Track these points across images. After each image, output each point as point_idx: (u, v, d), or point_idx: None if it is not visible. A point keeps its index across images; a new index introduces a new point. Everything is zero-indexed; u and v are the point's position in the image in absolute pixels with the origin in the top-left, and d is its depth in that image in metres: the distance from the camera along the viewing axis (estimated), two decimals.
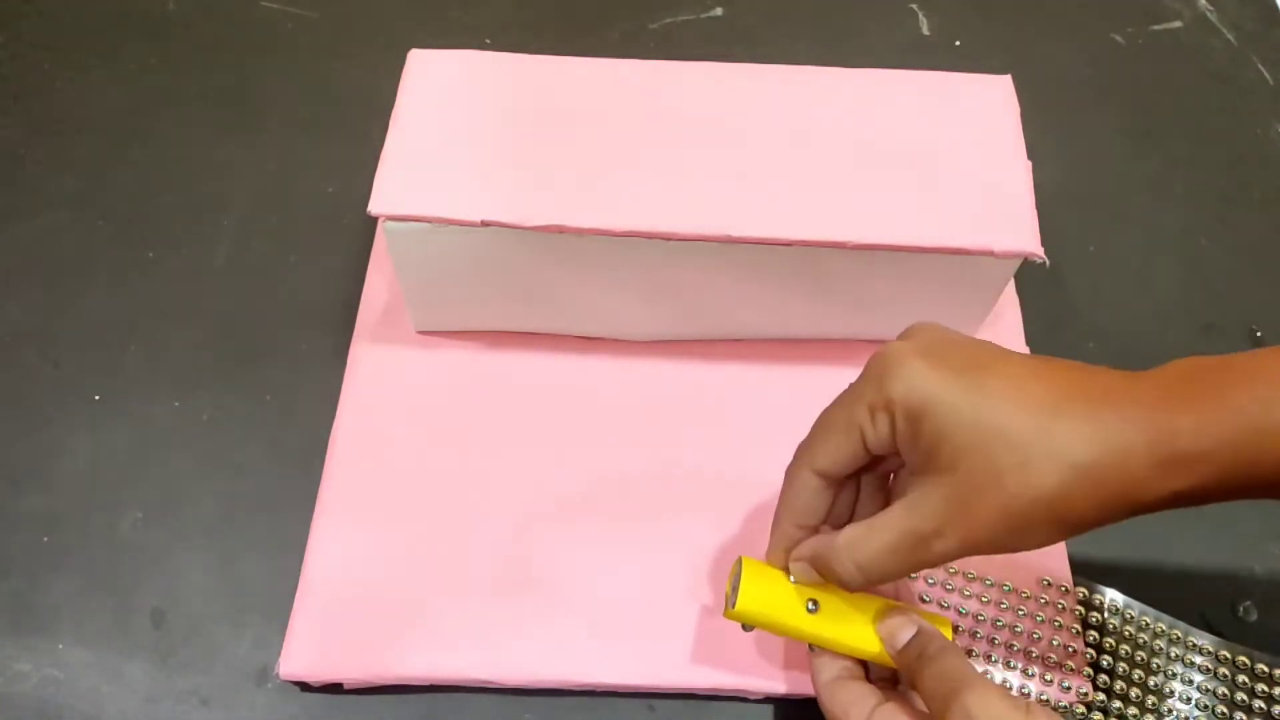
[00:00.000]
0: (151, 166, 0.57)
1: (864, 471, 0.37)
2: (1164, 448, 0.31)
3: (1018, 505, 0.31)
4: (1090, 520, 0.32)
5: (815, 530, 0.37)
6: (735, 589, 0.37)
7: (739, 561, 0.37)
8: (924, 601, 0.42)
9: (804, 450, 0.37)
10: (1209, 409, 0.31)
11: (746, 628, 0.38)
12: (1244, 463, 0.31)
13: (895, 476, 0.38)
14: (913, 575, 0.42)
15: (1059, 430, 0.31)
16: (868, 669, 0.38)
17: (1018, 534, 0.32)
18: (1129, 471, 0.31)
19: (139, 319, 0.51)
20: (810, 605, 0.37)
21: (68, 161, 0.57)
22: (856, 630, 0.37)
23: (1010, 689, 0.40)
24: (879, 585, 0.36)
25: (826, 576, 0.36)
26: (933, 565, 0.34)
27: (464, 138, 0.44)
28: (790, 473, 0.37)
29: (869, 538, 0.34)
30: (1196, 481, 0.32)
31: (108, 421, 0.48)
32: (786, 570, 0.38)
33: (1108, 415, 0.31)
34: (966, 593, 0.43)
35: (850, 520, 0.38)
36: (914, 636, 0.35)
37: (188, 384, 0.49)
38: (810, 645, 0.38)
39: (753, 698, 0.42)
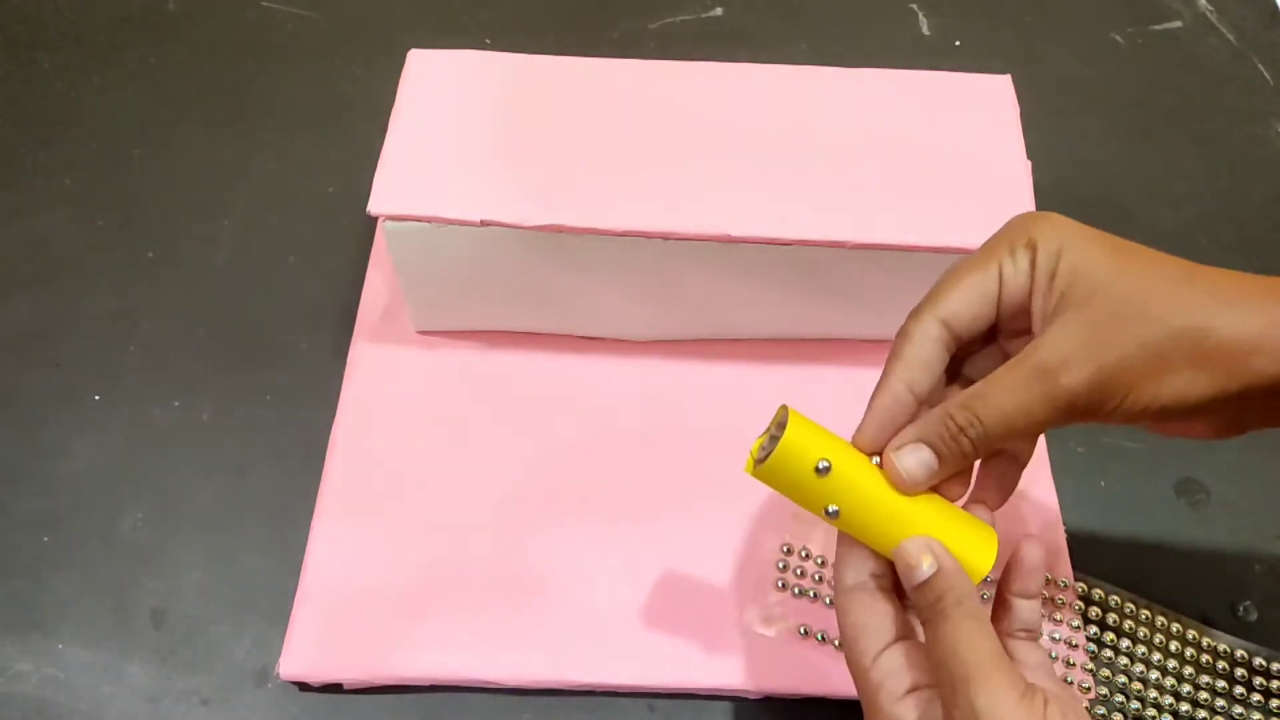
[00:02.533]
0: (151, 166, 0.57)
1: (985, 345, 0.34)
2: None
3: (1161, 334, 0.29)
4: (1235, 368, 0.30)
5: (923, 402, 0.33)
6: (771, 441, 0.32)
7: (784, 413, 0.32)
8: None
9: (929, 298, 0.33)
10: None
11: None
12: None
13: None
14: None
15: (1202, 281, 0.30)
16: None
17: (1156, 371, 0.30)
18: (1229, 332, 0.29)
19: (139, 319, 0.51)
20: (830, 510, 0.32)
21: (68, 161, 0.57)
22: (879, 541, 0.32)
23: None
24: (1003, 441, 0.32)
25: (946, 448, 0.32)
26: (1060, 414, 0.30)
27: (464, 138, 0.44)
28: (908, 325, 0.33)
29: (992, 380, 0.31)
30: None
31: (108, 421, 0.48)
32: (877, 453, 0.33)
33: (1251, 287, 0.31)
34: None
35: None
36: (931, 579, 0.31)
37: (188, 384, 0.49)
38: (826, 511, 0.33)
39: (753, 698, 0.42)
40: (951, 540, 0.32)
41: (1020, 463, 0.35)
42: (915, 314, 0.33)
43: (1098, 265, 0.30)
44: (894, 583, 0.33)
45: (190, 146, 0.58)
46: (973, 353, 0.34)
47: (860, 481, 0.32)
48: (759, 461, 0.33)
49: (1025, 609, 0.33)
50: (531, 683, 0.41)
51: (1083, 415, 0.31)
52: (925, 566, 0.31)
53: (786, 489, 0.33)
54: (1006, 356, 0.32)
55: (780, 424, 0.32)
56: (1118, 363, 0.30)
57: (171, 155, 0.58)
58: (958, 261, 0.33)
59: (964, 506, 0.34)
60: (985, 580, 0.35)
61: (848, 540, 0.33)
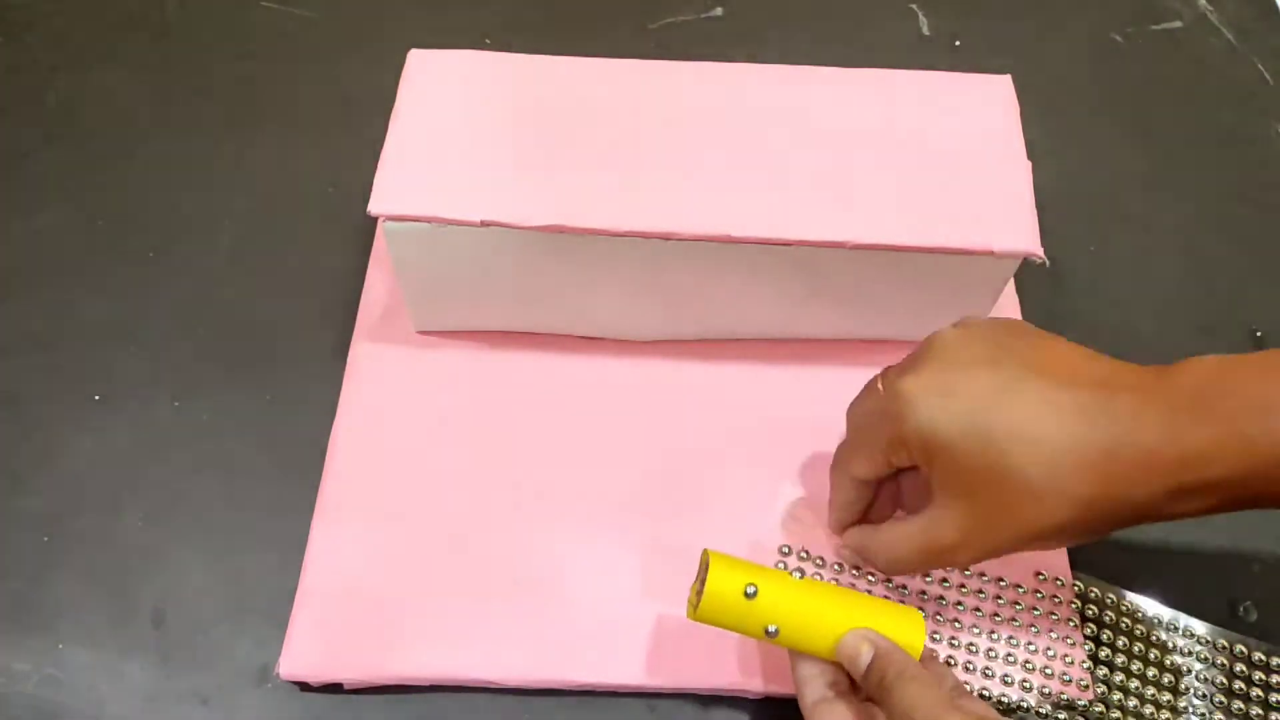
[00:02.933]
0: (151, 166, 0.57)
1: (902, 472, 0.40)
2: (1172, 480, 0.32)
3: (1032, 530, 0.34)
4: (1102, 533, 0.35)
5: (862, 517, 0.42)
6: (701, 587, 0.37)
7: (705, 558, 0.38)
8: (903, 591, 0.42)
9: (841, 458, 0.41)
10: (1215, 439, 0.32)
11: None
12: (1250, 490, 0.32)
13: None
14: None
15: (1068, 469, 0.33)
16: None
17: (1031, 547, 0.35)
18: (1137, 498, 0.33)
19: (139, 319, 0.51)
20: (770, 630, 0.37)
21: (68, 161, 0.57)
22: (821, 649, 0.37)
23: (1011, 683, 0.40)
24: (906, 574, 0.41)
25: (865, 560, 0.41)
26: (956, 566, 0.39)
27: (464, 138, 0.44)
28: (833, 475, 0.42)
29: (899, 544, 0.38)
30: (1204, 505, 0.33)
31: (108, 421, 0.48)
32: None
33: (1117, 448, 0.33)
34: (965, 589, 0.43)
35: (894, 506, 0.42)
36: (872, 661, 0.35)
37: (188, 384, 0.49)
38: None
39: (753, 697, 0.42)
40: (883, 628, 0.37)
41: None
42: (835, 465, 0.41)
43: (969, 464, 0.35)
44: (850, 684, 0.37)
45: (190, 146, 0.58)
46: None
47: (789, 596, 0.37)
48: (695, 607, 0.37)
49: (936, 669, 0.38)
50: (531, 683, 0.41)
51: None
52: (864, 654, 0.36)
53: (727, 620, 0.37)
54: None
55: (705, 566, 0.37)
56: (1001, 546, 0.36)
57: (172, 155, 0.58)
58: (855, 425, 0.40)
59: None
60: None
61: (799, 662, 0.38)
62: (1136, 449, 0.33)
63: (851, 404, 0.40)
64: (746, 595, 0.36)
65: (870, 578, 0.43)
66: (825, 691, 0.37)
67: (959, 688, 0.37)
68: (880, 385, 0.38)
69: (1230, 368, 0.33)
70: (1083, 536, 0.35)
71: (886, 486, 0.41)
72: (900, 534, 0.38)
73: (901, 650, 0.36)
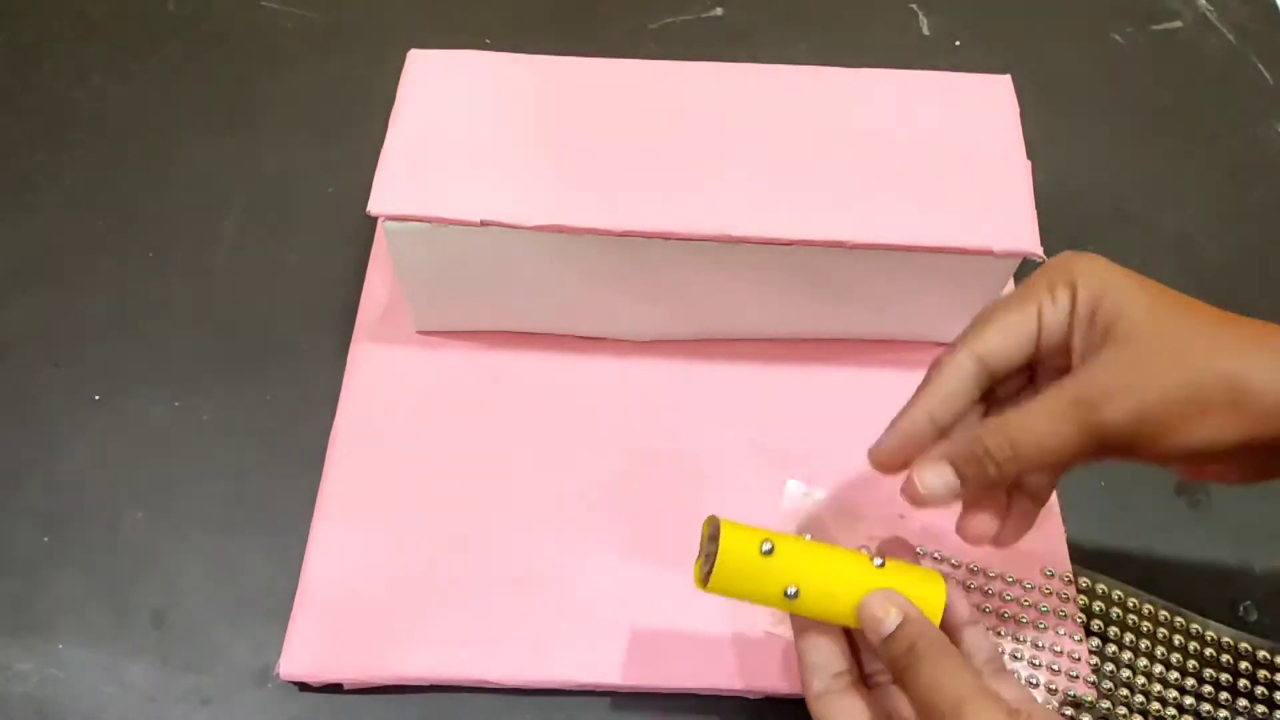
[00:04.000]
0: (151, 166, 0.57)
1: (1020, 387, 0.35)
2: None
3: (1200, 376, 0.30)
4: (1268, 417, 0.30)
5: (944, 433, 0.34)
6: (710, 555, 0.34)
7: (715, 523, 0.34)
8: (920, 555, 0.41)
9: (966, 333, 0.34)
10: None
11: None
12: None
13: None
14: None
15: (1238, 328, 0.31)
16: (857, 653, 0.36)
17: (1193, 413, 0.30)
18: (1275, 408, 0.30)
19: (139, 319, 0.51)
20: (789, 591, 0.33)
21: (68, 161, 0.57)
22: (840, 613, 0.34)
23: (1017, 678, 0.40)
24: (1032, 470, 0.33)
25: (971, 470, 0.33)
26: (1094, 448, 0.31)
27: (464, 138, 0.44)
28: (942, 356, 0.34)
29: (1028, 407, 0.32)
30: None
31: (108, 421, 0.48)
32: (902, 466, 0.34)
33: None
34: (971, 585, 0.43)
35: None
36: (900, 627, 0.32)
37: (188, 384, 0.49)
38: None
39: (753, 697, 0.42)
40: (904, 590, 0.33)
41: (1039, 500, 0.36)
42: (951, 347, 0.34)
43: (1139, 306, 0.31)
44: (858, 676, 0.35)
45: (190, 146, 0.58)
46: (1009, 394, 0.35)
47: (807, 552, 0.34)
48: (706, 575, 0.34)
49: (973, 638, 0.34)
50: (531, 683, 0.41)
51: (1116, 452, 0.31)
52: (891, 618, 0.32)
53: (741, 584, 0.34)
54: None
55: (712, 533, 0.34)
56: (1158, 401, 0.30)
57: (172, 155, 0.58)
58: (997, 300, 0.34)
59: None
60: None
61: (806, 647, 0.35)
62: None
63: None
64: (763, 552, 0.33)
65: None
66: (831, 683, 0.34)
67: (995, 660, 0.34)
68: None
69: None
70: (1247, 407, 0.30)
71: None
72: (1040, 398, 0.32)
73: (931, 622, 0.33)
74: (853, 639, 0.36)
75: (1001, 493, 0.35)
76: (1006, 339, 0.33)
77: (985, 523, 0.35)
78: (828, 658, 0.34)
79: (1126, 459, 0.32)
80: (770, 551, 0.34)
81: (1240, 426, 0.30)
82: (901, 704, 0.33)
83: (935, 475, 0.33)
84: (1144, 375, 0.30)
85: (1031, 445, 0.31)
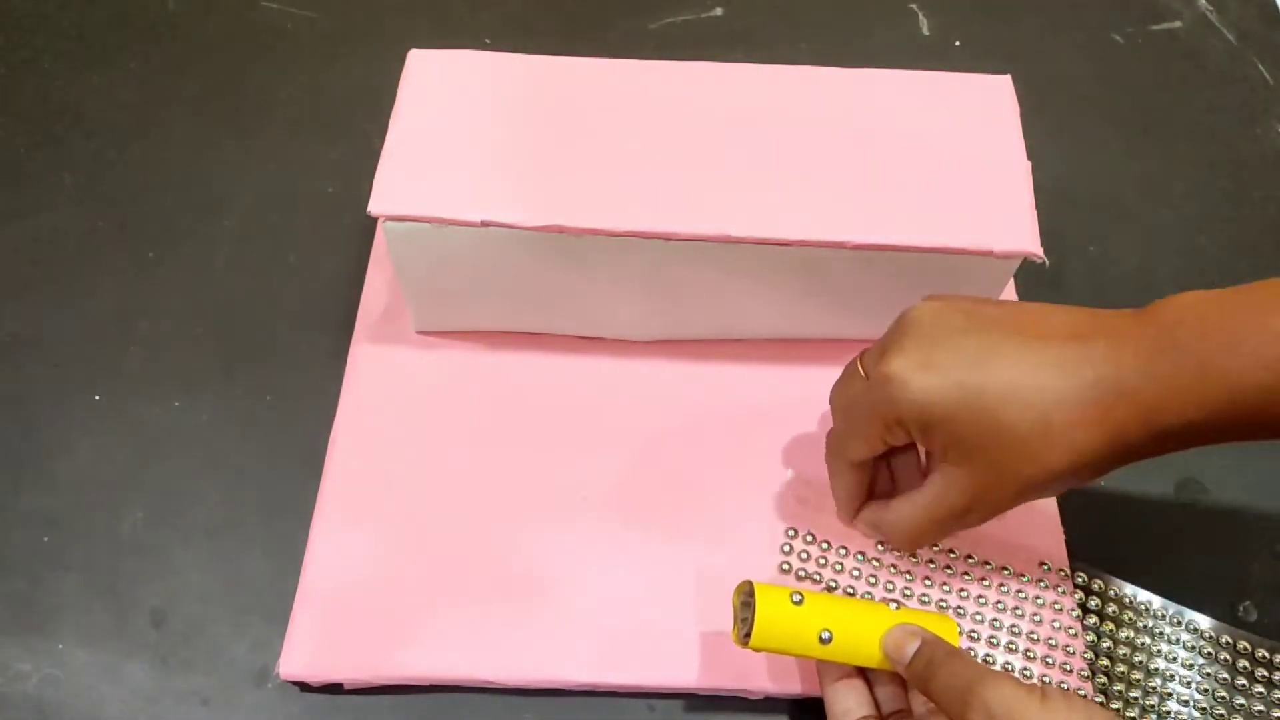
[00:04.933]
0: (151, 166, 0.57)
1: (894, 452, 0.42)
2: (1154, 422, 0.34)
3: (1033, 482, 0.36)
4: (1100, 474, 0.36)
5: (867, 497, 0.43)
6: (746, 619, 0.38)
7: (748, 588, 0.38)
8: (924, 603, 0.42)
9: (835, 446, 0.42)
10: (1192, 378, 0.33)
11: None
12: (1231, 424, 0.34)
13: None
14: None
15: (1057, 420, 0.34)
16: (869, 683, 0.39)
17: (1034, 496, 0.37)
18: (1124, 441, 0.34)
19: (139, 319, 0.51)
20: (824, 636, 0.37)
21: (68, 161, 0.57)
22: (867, 653, 0.38)
23: (1011, 671, 0.41)
24: (925, 545, 0.42)
25: (883, 538, 0.42)
26: (968, 528, 0.40)
27: (464, 138, 0.44)
28: (829, 463, 0.42)
29: (912, 517, 0.39)
30: (1188, 441, 0.35)
31: (108, 421, 0.48)
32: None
33: (1101, 395, 0.34)
34: (968, 576, 0.43)
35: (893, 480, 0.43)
36: (919, 648, 0.36)
37: (188, 384, 0.49)
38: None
39: (753, 697, 0.42)
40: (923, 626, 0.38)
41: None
42: (830, 452, 0.42)
43: (965, 432, 0.36)
44: (879, 718, 0.38)
45: (190, 147, 0.58)
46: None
47: (832, 601, 0.39)
48: (746, 635, 0.38)
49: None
50: (531, 683, 0.41)
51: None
52: (911, 644, 0.36)
53: (781, 635, 0.37)
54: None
55: (748, 592, 0.38)
56: (1006, 502, 0.37)
57: (172, 155, 0.58)
58: (846, 411, 0.40)
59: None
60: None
61: (834, 695, 0.39)
62: (1118, 393, 0.34)
63: (834, 389, 0.41)
64: (794, 603, 0.37)
65: (892, 569, 0.43)
66: (844, 672, 0.39)
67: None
68: (861, 368, 0.39)
69: (1204, 304, 0.34)
70: (1080, 479, 0.36)
71: (880, 464, 0.42)
72: (910, 508, 0.39)
73: (942, 639, 0.37)
74: (871, 686, 0.39)
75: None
76: (866, 454, 0.40)
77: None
78: (854, 703, 0.38)
79: None
80: (800, 602, 0.38)
81: (1079, 484, 0.37)
82: None
83: (868, 531, 0.43)
84: (988, 493, 0.37)
85: (920, 540, 0.40)
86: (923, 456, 0.42)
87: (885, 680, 0.39)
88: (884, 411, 0.37)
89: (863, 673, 0.39)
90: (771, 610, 0.37)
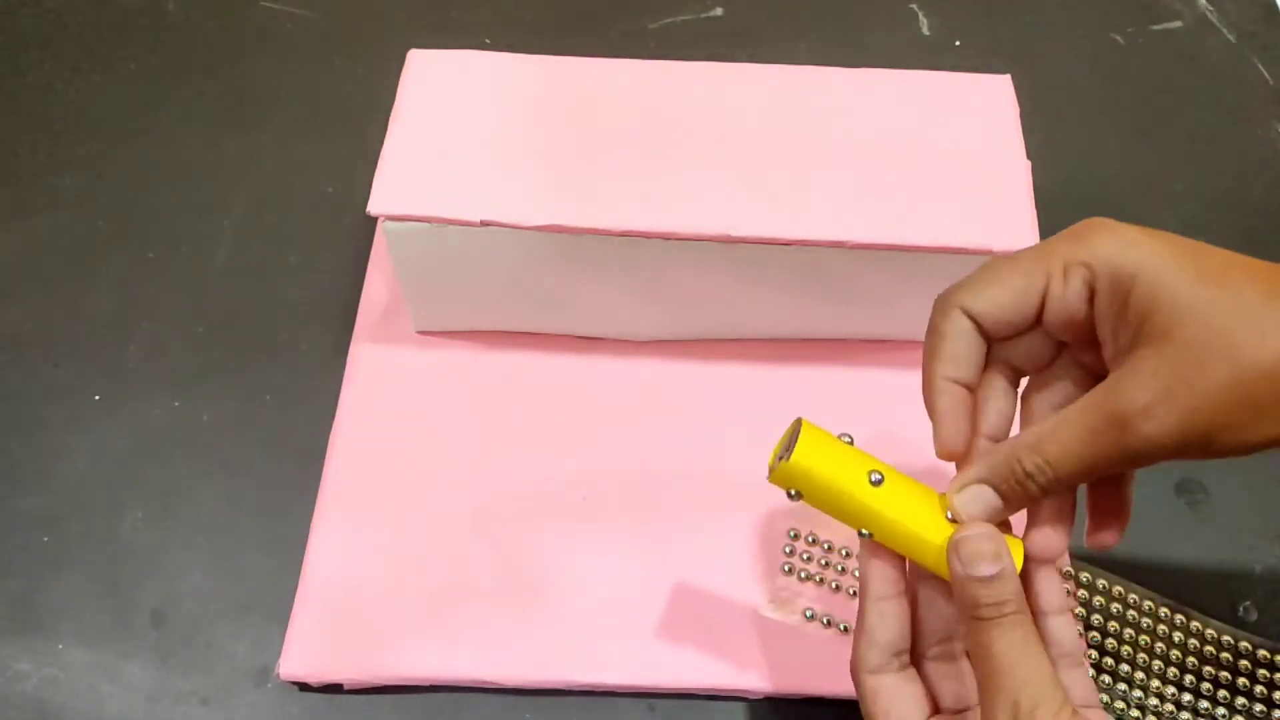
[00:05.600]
0: (151, 166, 0.57)
1: (1014, 369, 0.32)
2: None
3: (1252, 376, 0.27)
4: None
5: (972, 392, 0.32)
6: (789, 448, 0.32)
7: (796, 421, 0.32)
8: None
9: (960, 288, 0.31)
10: None
11: (792, 495, 0.32)
12: None
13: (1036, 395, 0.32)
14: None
15: None
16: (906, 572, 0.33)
17: (1247, 413, 0.27)
18: None
19: (139, 319, 0.51)
20: (874, 476, 0.31)
21: (68, 161, 0.57)
22: (918, 523, 0.31)
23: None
24: (1075, 486, 0.31)
25: (1012, 492, 0.30)
26: (1140, 459, 0.28)
27: (464, 138, 0.44)
28: (936, 314, 0.32)
29: (1059, 425, 0.29)
30: None
31: (108, 421, 0.48)
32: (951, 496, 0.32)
33: None
34: None
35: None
36: (998, 576, 0.29)
37: (188, 384, 0.49)
38: (859, 533, 0.32)
39: (753, 698, 0.42)
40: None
41: (1127, 478, 0.33)
42: (943, 305, 0.31)
43: (1175, 293, 0.27)
44: (915, 658, 0.32)
45: (190, 147, 0.58)
46: (1012, 337, 0.32)
47: (891, 471, 0.31)
48: (786, 457, 0.32)
49: (1059, 627, 0.32)
50: (531, 683, 0.41)
51: (1165, 459, 0.28)
52: (990, 560, 0.29)
53: (826, 460, 0.31)
54: (1052, 345, 0.31)
55: (793, 429, 0.32)
56: (1207, 407, 0.27)
57: (172, 155, 0.58)
58: (1005, 257, 0.31)
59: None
60: None
61: (874, 616, 0.32)
62: None
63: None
64: (841, 439, 0.32)
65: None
66: (890, 661, 0.31)
67: (1075, 655, 0.31)
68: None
69: None
70: (1275, 408, 0.27)
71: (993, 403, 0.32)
72: (1058, 417, 0.29)
73: (1022, 590, 0.30)
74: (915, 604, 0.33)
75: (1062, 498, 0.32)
76: (1003, 308, 0.30)
77: (1051, 536, 0.32)
78: (894, 634, 0.32)
79: (1180, 459, 0.29)
80: (851, 440, 0.32)
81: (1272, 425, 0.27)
82: (948, 688, 0.32)
83: (973, 500, 0.31)
84: (1184, 381, 0.27)
85: (1070, 468, 0.29)
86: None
87: (934, 601, 0.32)
88: (1069, 251, 0.29)
89: (910, 594, 0.32)
90: (818, 433, 0.31)
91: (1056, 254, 0.29)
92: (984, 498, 0.31)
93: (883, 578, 0.32)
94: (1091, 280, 0.29)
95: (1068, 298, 0.29)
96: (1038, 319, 0.30)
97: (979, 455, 0.31)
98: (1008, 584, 0.29)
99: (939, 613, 0.32)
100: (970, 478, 0.31)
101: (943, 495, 0.31)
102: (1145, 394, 0.27)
